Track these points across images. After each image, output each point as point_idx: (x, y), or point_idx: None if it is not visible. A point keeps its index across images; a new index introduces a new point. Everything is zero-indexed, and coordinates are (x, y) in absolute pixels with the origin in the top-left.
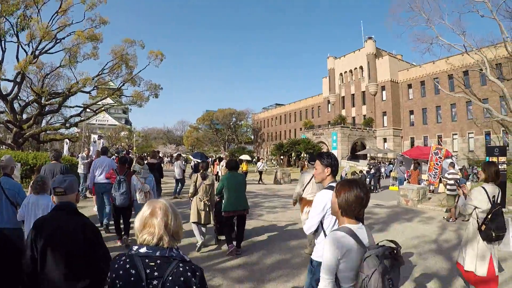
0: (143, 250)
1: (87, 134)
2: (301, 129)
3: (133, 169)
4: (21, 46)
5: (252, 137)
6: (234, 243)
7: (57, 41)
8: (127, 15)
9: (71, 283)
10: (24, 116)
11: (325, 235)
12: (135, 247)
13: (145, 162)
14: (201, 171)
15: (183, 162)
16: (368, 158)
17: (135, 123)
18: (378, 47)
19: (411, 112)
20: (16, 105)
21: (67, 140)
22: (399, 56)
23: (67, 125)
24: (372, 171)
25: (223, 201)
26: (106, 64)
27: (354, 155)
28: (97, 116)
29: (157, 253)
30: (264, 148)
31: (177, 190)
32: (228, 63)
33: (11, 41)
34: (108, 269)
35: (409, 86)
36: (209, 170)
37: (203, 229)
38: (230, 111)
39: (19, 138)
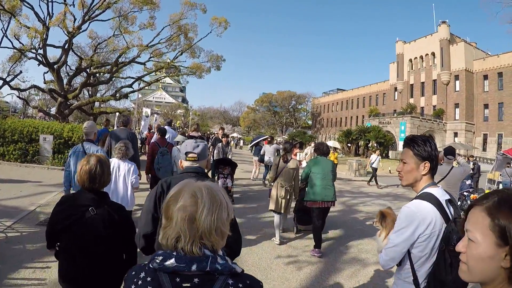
0: (170, 262)
1: (141, 110)
2: (363, 116)
3: (176, 140)
4: (69, 12)
5: (310, 122)
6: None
7: (108, 4)
8: None
9: None
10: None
11: (414, 272)
12: (159, 257)
13: (186, 134)
14: (283, 153)
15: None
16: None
17: (192, 101)
18: (452, 33)
19: (486, 106)
20: (64, 75)
21: (118, 113)
22: (473, 44)
23: (117, 96)
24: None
25: (307, 189)
26: (162, 29)
27: None
28: (154, 93)
29: (193, 267)
30: (323, 134)
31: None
32: (287, 42)
33: (59, 1)
34: (235, 243)
35: (485, 77)
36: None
37: (279, 217)
38: (290, 93)
39: (64, 109)
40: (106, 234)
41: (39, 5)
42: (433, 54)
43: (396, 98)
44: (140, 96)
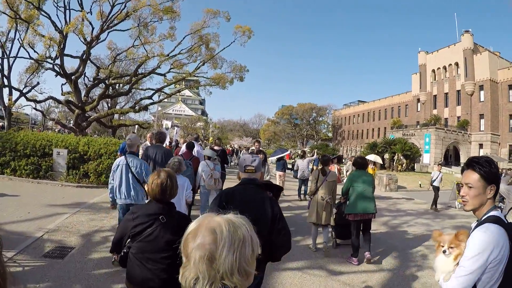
0: None
1: (160, 123)
2: (385, 128)
3: (206, 155)
4: (86, 19)
5: (331, 134)
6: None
7: (128, 13)
8: None
9: None
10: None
11: None
12: None
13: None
14: (322, 166)
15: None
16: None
17: (211, 114)
18: (475, 42)
19: (511, 117)
20: (83, 87)
21: (137, 126)
22: (497, 53)
23: (136, 108)
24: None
25: (348, 202)
26: (183, 38)
27: (446, 161)
28: (174, 105)
29: None
30: (344, 146)
31: (302, 191)
32: (307, 53)
33: (76, 9)
34: (288, 242)
35: (510, 87)
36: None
37: (320, 229)
38: (311, 105)
39: (82, 121)
40: (175, 240)
41: (56, 14)
42: (456, 64)
43: (419, 110)
44: (159, 108)
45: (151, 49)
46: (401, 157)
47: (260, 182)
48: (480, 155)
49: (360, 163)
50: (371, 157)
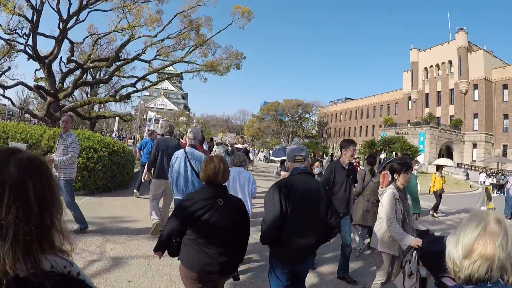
0: None
1: (144, 116)
2: (373, 126)
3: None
4: None
5: (315, 131)
6: None
7: None
8: None
9: (311, 234)
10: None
11: None
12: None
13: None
14: (370, 167)
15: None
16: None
17: (194, 109)
18: (469, 41)
19: (505, 116)
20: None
21: (118, 118)
22: (490, 52)
23: (117, 96)
24: None
25: None
26: (173, 17)
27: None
28: (156, 100)
29: None
30: (330, 144)
31: None
32: (293, 49)
33: None
34: (339, 223)
35: (504, 86)
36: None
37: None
38: (297, 102)
39: (55, 111)
40: (235, 221)
41: None
42: (450, 62)
43: (410, 108)
44: (142, 102)
45: (136, 21)
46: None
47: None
48: (474, 155)
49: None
50: (441, 161)
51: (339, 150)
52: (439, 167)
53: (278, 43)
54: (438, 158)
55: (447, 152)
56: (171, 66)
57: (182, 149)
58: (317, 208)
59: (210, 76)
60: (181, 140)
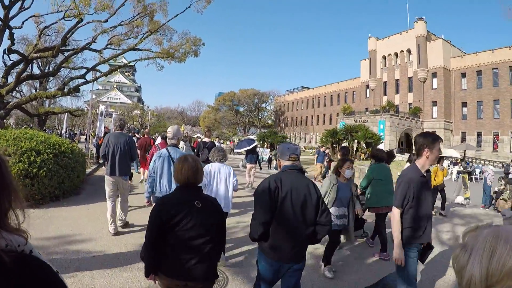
0: None
1: (95, 110)
2: (331, 115)
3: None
4: None
5: (271, 121)
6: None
7: None
8: None
9: (301, 231)
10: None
11: None
12: None
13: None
14: (342, 160)
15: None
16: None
17: (148, 102)
18: (428, 30)
19: (464, 104)
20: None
21: (68, 113)
22: (448, 41)
23: (66, 90)
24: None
25: (370, 195)
26: (123, 3)
27: (401, 148)
28: (109, 93)
29: None
30: (288, 133)
31: None
32: (249, 37)
33: None
34: (330, 221)
35: (463, 75)
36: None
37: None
38: (254, 91)
39: None
40: (214, 223)
41: None
42: (408, 51)
43: (368, 96)
44: (94, 96)
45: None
46: (363, 145)
47: (302, 168)
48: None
49: (380, 156)
50: (449, 151)
51: (414, 150)
52: (440, 159)
53: (233, 32)
54: (398, 146)
55: (406, 139)
56: (123, 58)
57: (165, 149)
58: (307, 206)
59: (165, 66)
60: (136, 135)
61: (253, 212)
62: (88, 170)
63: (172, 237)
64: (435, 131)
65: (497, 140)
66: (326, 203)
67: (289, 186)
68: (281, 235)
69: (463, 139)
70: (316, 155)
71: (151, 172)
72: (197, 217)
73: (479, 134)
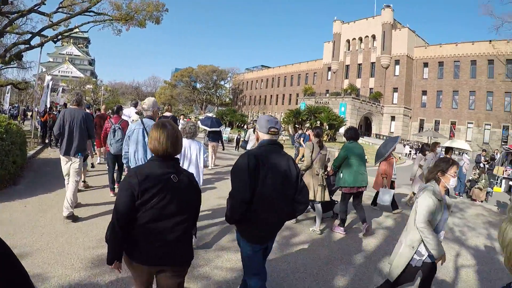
0: None
1: (41, 83)
2: (290, 95)
3: (132, 119)
4: None
5: (229, 98)
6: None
7: None
8: None
9: (281, 210)
10: None
11: None
12: None
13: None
14: (318, 139)
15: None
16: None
17: (102, 76)
18: (395, 18)
19: (424, 93)
20: None
21: (11, 86)
22: (413, 31)
23: (7, 57)
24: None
25: (342, 175)
26: None
27: (361, 131)
28: (60, 66)
29: None
30: (245, 111)
31: None
32: (209, 17)
33: None
34: (308, 199)
35: (425, 64)
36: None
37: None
38: (212, 68)
39: None
40: (190, 200)
41: None
42: (373, 36)
43: (329, 78)
44: (44, 69)
45: None
46: (326, 127)
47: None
48: (392, 127)
49: (352, 135)
50: (459, 144)
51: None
52: (448, 150)
53: (193, 9)
54: (359, 128)
55: (365, 123)
56: (78, 29)
57: (139, 121)
58: (287, 182)
59: (122, 38)
60: (87, 110)
61: (230, 191)
62: (30, 152)
63: (145, 215)
64: (394, 116)
65: (454, 129)
66: (431, 227)
67: (270, 163)
68: (264, 214)
69: (421, 126)
70: (302, 139)
71: (124, 146)
72: (173, 193)
73: (437, 122)
